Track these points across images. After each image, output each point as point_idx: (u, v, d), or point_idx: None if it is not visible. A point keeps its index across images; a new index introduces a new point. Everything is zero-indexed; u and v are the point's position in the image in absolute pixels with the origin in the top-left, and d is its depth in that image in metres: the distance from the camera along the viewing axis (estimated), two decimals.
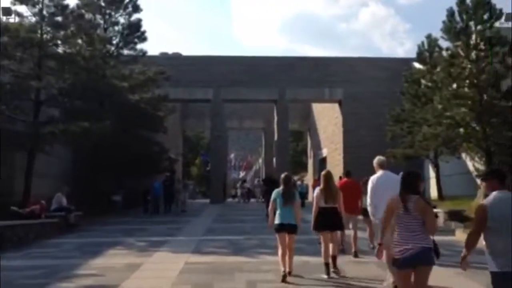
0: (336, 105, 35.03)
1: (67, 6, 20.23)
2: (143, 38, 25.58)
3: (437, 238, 5.36)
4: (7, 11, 21.61)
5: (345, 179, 12.18)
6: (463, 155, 23.67)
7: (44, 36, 19.84)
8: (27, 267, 10.16)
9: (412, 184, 5.14)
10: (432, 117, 20.14)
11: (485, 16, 19.99)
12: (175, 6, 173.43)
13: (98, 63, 21.34)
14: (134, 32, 25.68)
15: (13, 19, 21.38)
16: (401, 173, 9.05)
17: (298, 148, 66.51)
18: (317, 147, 42.86)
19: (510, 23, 24.80)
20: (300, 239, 12.97)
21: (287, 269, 8.37)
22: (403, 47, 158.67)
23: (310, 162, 47.58)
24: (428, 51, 25.47)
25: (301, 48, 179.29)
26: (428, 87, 21.23)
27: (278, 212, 8.48)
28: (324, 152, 39.53)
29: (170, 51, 41.75)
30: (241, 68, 33.85)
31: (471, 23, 20.08)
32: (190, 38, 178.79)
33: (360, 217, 11.81)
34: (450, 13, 20.46)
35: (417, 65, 26.95)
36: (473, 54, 19.67)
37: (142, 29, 25.96)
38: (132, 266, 9.83)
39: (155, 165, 26.58)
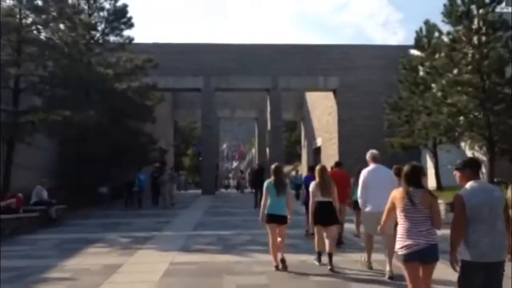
0: (331, 94, 34.09)
1: None
2: (129, 24, 24.35)
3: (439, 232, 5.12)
4: None
5: (335, 170, 12.19)
6: (462, 144, 22.86)
7: (23, 20, 18.73)
8: None
9: (416, 177, 5.07)
10: (433, 105, 19.21)
11: (487, 0, 19.09)
12: None
13: (81, 49, 20.21)
14: (120, 18, 24.43)
15: None
16: (395, 167, 9.35)
17: (291, 138, 65.65)
18: (311, 137, 41.96)
19: (510, 8, 23.96)
20: (295, 234, 12.17)
21: (279, 262, 8.53)
22: (396, 37, 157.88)
23: (304, 152, 46.73)
24: (426, 37, 24.64)
25: (293, 38, 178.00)
26: (429, 73, 20.28)
27: (269, 202, 8.54)
28: (319, 142, 38.64)
29: (159, 39, 40.64)
30: (232, 56, 32.76)
31: (473, 7, 19.16)
32: (179, 26, 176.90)
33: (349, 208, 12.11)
34: None
35: (414, 52, 26.05)
36: (475, 39, 18.78)
37: (129, 15, 24.77)
38: (110, 268, 8.88)
39: (144, 156, 25.55)
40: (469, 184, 4.61)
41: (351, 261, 9.24)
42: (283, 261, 8.55)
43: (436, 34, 23.68)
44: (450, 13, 19.44)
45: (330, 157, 31.30)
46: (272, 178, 8.70)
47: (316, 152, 39.50)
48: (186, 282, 7.83)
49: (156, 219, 17.58)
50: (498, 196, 4.60)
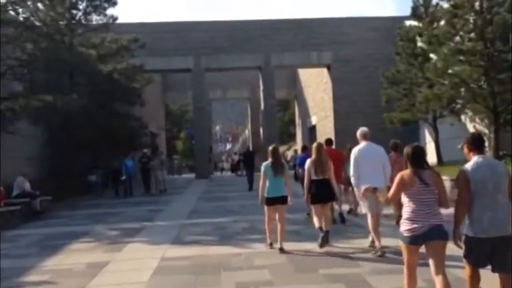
0: (324, 70, 33.07)
1: None
2: (113, 2, 23.09)
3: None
4: None
5: (327, 148, 11.28)
6: (462, 117, 22.01)
7: None
8: None
9: (421, 158, 4.92)
10: (435, 76, 18.21)
11: None
12: None
13: (62, 29, 19.02)
14: None
15: None
16: (392, 142, 10.20)
17: (284, 118, 64.73)
18: (305, 115, 40.99)
19: None
20: (296, 219, 11.32)
21: (279, 245, 8.38)
22: (388, 10, 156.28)
23: (298, 132, 45.80)
24: (423, 6, 23.65)
25: (284, 13, 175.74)
26: (430, 43, 19.25)
27: (268, 185, 8.53)
28: (313, 120, 37.68)
29: (144, 19, 39.33)
30: (222, 34, 31.62)
31: None
32: (165, 4, 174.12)
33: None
34: None
35: (411, 23, 25.02)
36: (477, 5, 17.79)
37: None
38: (94, 267, 7.96)
39: (134, 140, 24.51)
40: (473, 160, 4.61)
41: (359, 248, 8.39)
42: (282, 250, 8.33)
43: (434, 2, 22.75)
44: None
45: (326, 135, 30.23)
46: (269, 160, 8.69)
47: (311, 131, 38.61)
48: (178, 281, 6.92)
49: (148, 207, 16.65)
50: (502, 171, 4.58)
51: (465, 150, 4.77)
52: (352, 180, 8.33)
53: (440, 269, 4.68)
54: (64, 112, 17.82)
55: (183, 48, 30.87)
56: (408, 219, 4.79)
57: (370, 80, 29.47)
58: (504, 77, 17.35)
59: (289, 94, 45.91)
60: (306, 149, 13.56)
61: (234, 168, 37.37)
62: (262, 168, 8.64)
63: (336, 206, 10.98)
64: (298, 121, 45.65)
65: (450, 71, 17.92)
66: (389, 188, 5.74)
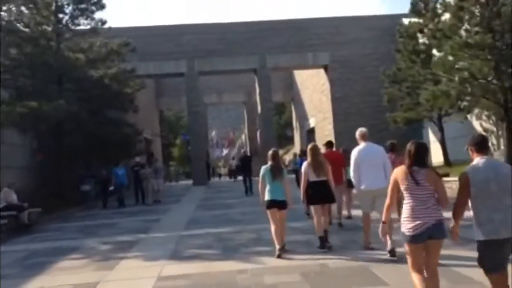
0: (321, 71, 32.24)
1: None
2: (100, 5, 22.14)
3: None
4: None
5: (327, 151, 11.62)
6: (468, 115, 21.20)
7: None
8: None
9: (421, 156, 4.81)
10: (442, 71, 17.34)
11: None
12: None
13: (47, 33, 18.08)
14: None
15: None
16: (389, 142, 9.91)
17: (281, 121, 63.89)
18: (303, 118, 40.11)
19: None
20: (304, 228, 10.39)
21: (279, 245, 8.25)
22: (382, 8, 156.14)
23: (296, 135, 44.91)
24: (423, 1, 22.86)
25: (278, 14, 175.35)
26: (435, 37, 18.39)
27: (267, 188, 8.52)
28: (312, 122, 36.80)
29: (134, 23, 38.49)
30: (215, 36, 30.75)
31: None
32: (156, 7, 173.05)
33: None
34: None
35: (409, 20, 24.22)
36: None
37: None
38: None
39: (128, 148, 23.53)
40: (475, 161, 4.57)
41: (379, 260, 7.48)
42: (282, 248, 8.33)
43: None
44: None
45: (325, 137, 29.41)
46: (269, 163, 8.65)
47: (309, 134, 37.71)
48: None
49: (144, 217, 15.70)
50: (506, 172, 4.47)
51: (470, 151, 4.71)
52: (353, 181, 8.31)
53: (433, 264, 4.75)
54: (51, 119, 16.93)
55: (176, 51, 30.01)
56: (408, 216, 4.71)
57: (369, 80, 28.77)
58: None
59: (285, 97, 45.12)
60: (305, 153, 12.90)
61: (232, 173, 36.51)
62: (261, 171, 8.67)
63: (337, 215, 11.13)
64: (295, 124, 44.81)
65: (458, 66, 17.08)
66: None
